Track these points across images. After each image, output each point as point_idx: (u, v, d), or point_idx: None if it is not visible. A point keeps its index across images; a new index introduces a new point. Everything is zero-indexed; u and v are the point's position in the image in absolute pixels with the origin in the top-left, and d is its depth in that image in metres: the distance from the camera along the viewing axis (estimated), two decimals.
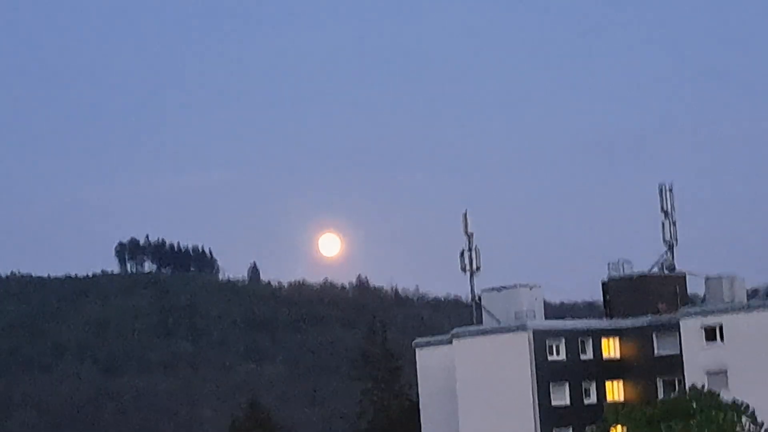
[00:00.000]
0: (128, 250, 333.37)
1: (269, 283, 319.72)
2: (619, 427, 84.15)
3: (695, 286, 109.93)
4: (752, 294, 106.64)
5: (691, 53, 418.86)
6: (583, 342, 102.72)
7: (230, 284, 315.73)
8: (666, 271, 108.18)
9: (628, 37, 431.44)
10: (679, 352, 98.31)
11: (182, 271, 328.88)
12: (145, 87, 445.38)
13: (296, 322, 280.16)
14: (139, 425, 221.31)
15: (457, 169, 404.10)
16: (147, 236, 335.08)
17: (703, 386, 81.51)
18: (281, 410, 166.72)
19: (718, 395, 79.48)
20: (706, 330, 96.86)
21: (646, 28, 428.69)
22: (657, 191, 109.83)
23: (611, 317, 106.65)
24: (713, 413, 77.26)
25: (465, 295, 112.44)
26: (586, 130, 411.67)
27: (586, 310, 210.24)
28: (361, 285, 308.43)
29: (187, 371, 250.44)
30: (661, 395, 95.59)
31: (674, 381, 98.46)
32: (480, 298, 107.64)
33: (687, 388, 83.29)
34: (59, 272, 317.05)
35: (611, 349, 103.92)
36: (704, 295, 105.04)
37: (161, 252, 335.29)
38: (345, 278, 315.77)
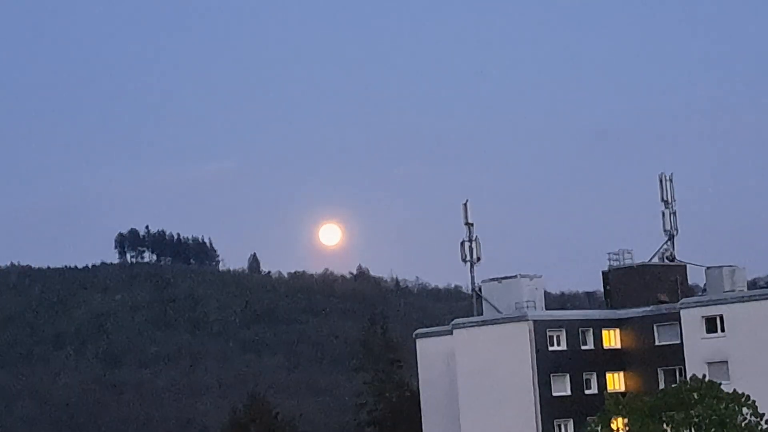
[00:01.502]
0: (128, 242, 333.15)
1: (269, 273, 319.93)
2: (620, 417, 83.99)
3: (696, 276, 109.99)
4: (753, 284, 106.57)
5: (691, 42, 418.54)
6: (583, 332, 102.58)
7: (230, 275, 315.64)
8: (666, 261, 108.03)
9: (627, 29, 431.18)
10: (679, 342, 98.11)
11: (182, 262, 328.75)
12: (145, 78, 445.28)
13: (296, 313, 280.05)
14: (140, 417, 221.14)
15: (458, 159, 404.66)
16: (147, 227, 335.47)
17: (704, 376, 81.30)
18: (281, 401, 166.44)
19: (719, 385, 79.31)
20: (706, 320, 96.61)
21: (645, 19, 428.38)
22: (657, 181, 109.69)
23: (612, 307, 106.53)
24: (714, 403, 77.13)
25: (465, 285, 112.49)
26: (586, 120, 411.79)
27: (587, 300, 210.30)
28: (362, 275, 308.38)
29: (187, 362, 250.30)
30: (661, 385, 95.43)
31: (675, 371, 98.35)
32: (480, 289, 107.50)
33: (688, 378, 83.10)
34: (59, 264, 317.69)
35: (612, 339, 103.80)
36: (705, 285, 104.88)
37: (161, 243, 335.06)
38: (345, 268, 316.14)
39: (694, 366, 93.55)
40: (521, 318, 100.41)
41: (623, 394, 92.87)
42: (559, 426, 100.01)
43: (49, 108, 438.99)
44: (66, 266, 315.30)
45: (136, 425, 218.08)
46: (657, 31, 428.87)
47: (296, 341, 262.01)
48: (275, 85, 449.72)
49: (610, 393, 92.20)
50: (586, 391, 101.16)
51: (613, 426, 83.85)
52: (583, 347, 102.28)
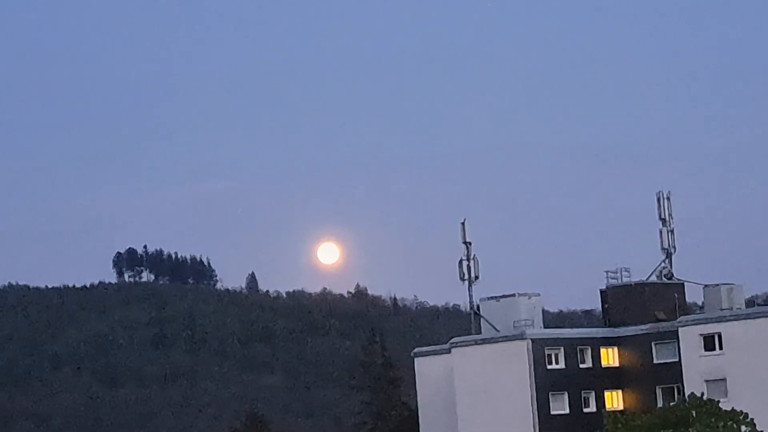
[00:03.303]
0: (126, 261, 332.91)
1: (267, 292, 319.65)
2: None
3: (694, 294, 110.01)
4: (751, 302, 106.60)
5: (691, 59, 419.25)
6: (582, 350, 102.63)
7: (228, 294, 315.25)
8: (664, 279, 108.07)
9: (626, 46, 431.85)
10: (678, 361, 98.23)
11: (180, 281, 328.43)
12: (143, 96, 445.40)
13: (294, 332, 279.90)
14: None
15: (456, 177, 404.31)
16: (145, 247, 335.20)
17: (702, 394, 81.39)
18: (280, 421, 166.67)
19: (717, 403, 79.38)
20: (704, 338, 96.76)
21: (644, 35, 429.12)
22: (655, 199, 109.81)
23: (610, 325, 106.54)
24: (712, 421, 77.16)
25: (464, 304, 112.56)
26: (584, 138, 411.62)
27: (585, 318, 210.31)
28: (360, 294, 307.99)
29: (186, 382, 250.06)
30: (660, 403, 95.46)
31: (673, 389, 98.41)
32: (479, 307, 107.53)
33: (686, 396, 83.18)
34: (57, 283, 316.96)
35: (610, 357, 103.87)
36: (703, 303, 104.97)
37: (159, 262, 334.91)
38: (343, 287, 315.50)
39: (693, 384, 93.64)
40: (519, 336, 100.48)
41: (622, 412, 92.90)
42: None
43: (46, 128, 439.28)
44: (64, 286, 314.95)
45: None
46: (656, 48, 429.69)
47: (294, 360, 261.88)
48: (272, 103, 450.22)
49: (608, 411, 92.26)
50: (585, 410, 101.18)
51: None
52: (581, 365, 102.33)
